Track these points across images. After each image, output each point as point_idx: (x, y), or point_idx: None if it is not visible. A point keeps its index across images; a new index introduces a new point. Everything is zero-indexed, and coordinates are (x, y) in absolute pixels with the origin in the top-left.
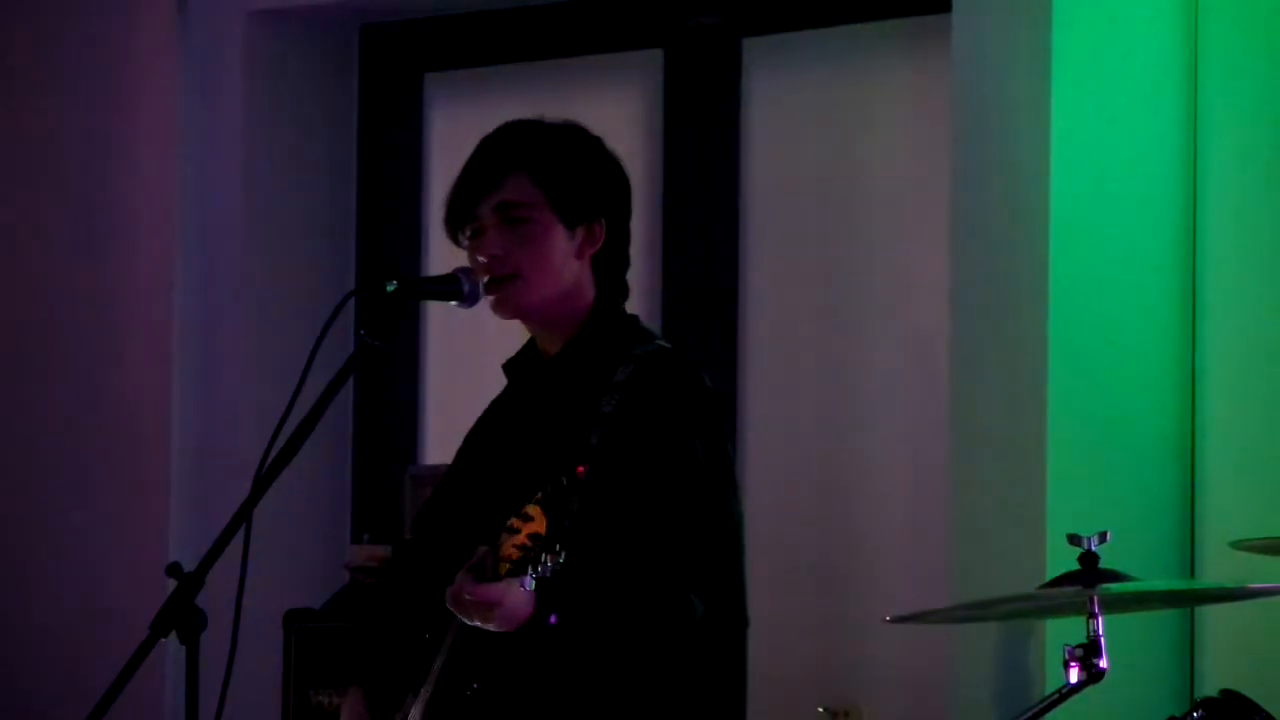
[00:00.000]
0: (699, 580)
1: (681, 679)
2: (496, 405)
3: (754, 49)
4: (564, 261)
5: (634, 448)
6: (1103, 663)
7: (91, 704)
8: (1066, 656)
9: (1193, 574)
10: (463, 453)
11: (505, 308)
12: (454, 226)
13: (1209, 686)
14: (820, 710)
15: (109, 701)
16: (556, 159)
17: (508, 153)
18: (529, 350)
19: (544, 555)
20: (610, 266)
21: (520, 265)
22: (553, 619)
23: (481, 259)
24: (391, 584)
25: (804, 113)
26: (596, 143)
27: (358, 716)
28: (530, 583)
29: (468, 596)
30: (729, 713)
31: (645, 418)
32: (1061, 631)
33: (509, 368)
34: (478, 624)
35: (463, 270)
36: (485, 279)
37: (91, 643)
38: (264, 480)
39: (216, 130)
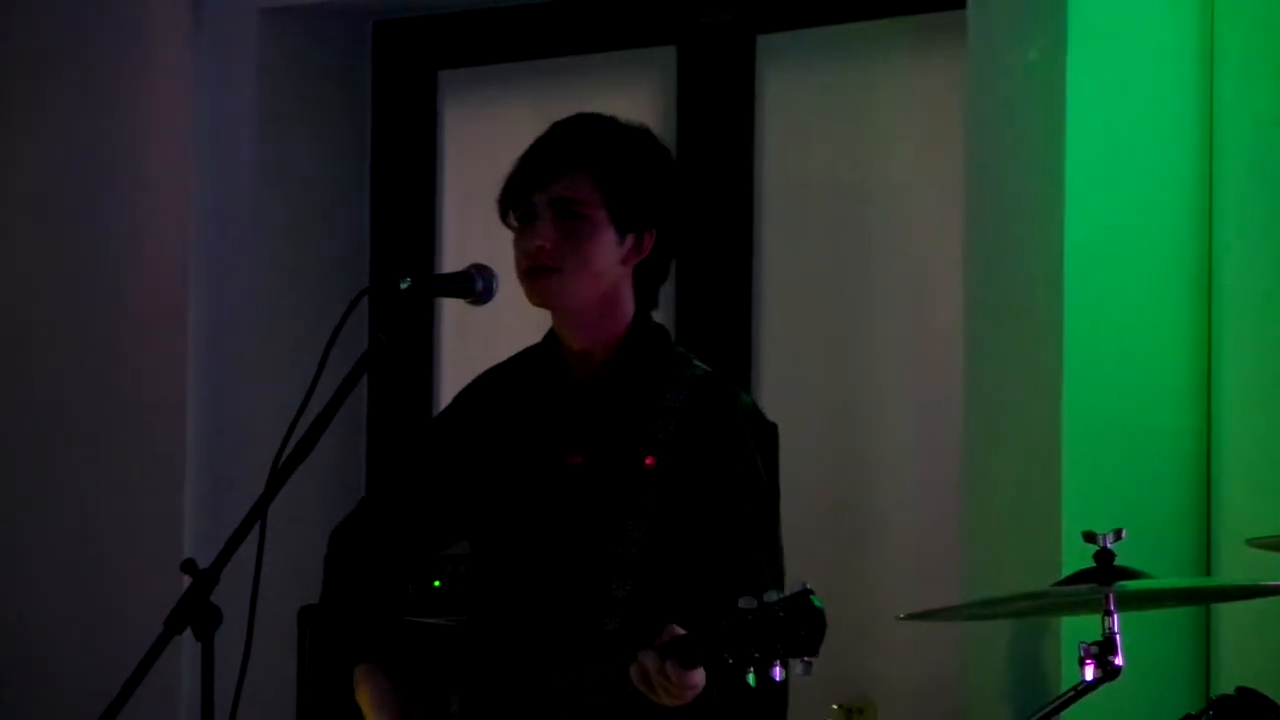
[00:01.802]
0: None
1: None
2: (515, 412)
3: (767, 46)
4: (608, 265)
5: (706, 475)
6: (1118, 660)
7: (107, 701)
8: (1082, 654)
9: (1208, 571)
10: (473, 455)
11: (540, 297)
12: (506, 206)
13: (1225, 684)
14: (835, 708)
15: (125, 698)
16: (621, 163)
17: (575, 147)
18: (551, 359)
19: (778, 661)
20: (651, 277)
21: (564, 261)
22: (715, 694)
23: (529, 246)
24: (383, 557)
25: (818, 109)
26: (663, 153)
27: (387, 693)
28: (751, 679)
29: (672, 681)
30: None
31: (713, 445)
32: (1077, 629)
33: (532, 361)
34: (659, 699)
35: (476, 267)
36: (526, 266)
37: (106, 639)
38: (279, 477)
39: (230, 127)
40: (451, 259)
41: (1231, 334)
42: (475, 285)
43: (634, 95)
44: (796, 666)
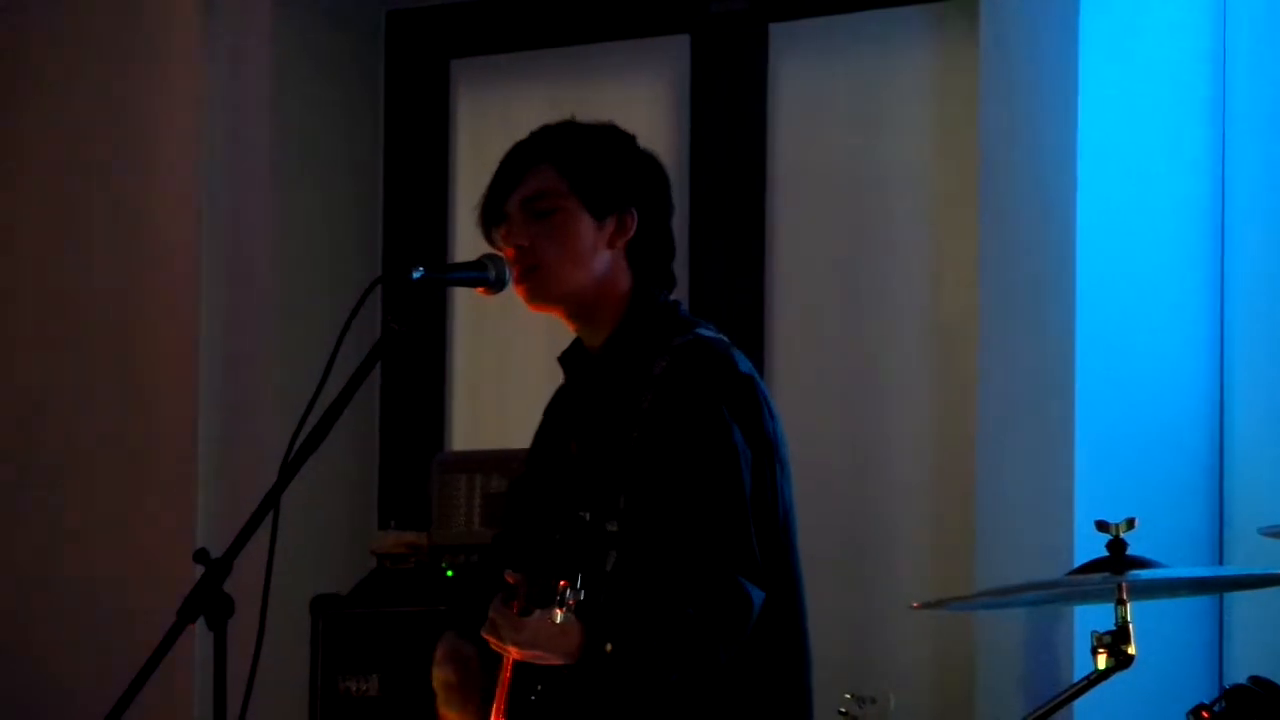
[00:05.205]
0: (750, 566)
1: (746, 668)
2: (559, 399)
3: (781, 34)
4: (592, 251)
5: (667, 442)
6: (1131, 649)
7: (120, 690)
8: (1095, 643)
9: (1221, 561)
10: (535, 447)
11: (533, 298)
12: (488, 225)
13: (1238, 673)
14: (848, 697)
15: (138, 686)
16: (581, 150)
17: (533, 148)
18: (578, 341)
19: (566, 589)
20: (647, 255)
21: (544, 256)
22: (609, 646)
23: (511, 247)
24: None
25: (831, 98)
26: (626, 138)
27: (455, 647)
28: (559, 616)
29: (503, 626)
30: (794, 698)
31: (677, 411)
32: (1090, 618)
33: (564, 360)
34: (512, 654)
35: (489, 256)
36: (515, 271)
37: (120, 629)
38: (291, 467)
39: (243, 117)
40: (464, 248)
41: (1243, 323)
42: (488, 274)
43: (647, 84)
44: (564, 597)
